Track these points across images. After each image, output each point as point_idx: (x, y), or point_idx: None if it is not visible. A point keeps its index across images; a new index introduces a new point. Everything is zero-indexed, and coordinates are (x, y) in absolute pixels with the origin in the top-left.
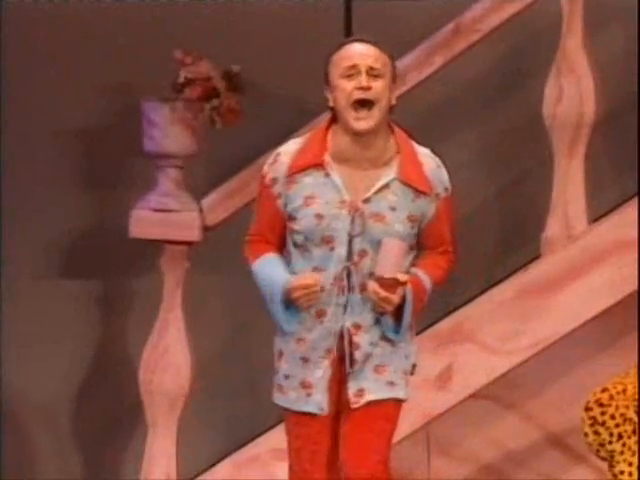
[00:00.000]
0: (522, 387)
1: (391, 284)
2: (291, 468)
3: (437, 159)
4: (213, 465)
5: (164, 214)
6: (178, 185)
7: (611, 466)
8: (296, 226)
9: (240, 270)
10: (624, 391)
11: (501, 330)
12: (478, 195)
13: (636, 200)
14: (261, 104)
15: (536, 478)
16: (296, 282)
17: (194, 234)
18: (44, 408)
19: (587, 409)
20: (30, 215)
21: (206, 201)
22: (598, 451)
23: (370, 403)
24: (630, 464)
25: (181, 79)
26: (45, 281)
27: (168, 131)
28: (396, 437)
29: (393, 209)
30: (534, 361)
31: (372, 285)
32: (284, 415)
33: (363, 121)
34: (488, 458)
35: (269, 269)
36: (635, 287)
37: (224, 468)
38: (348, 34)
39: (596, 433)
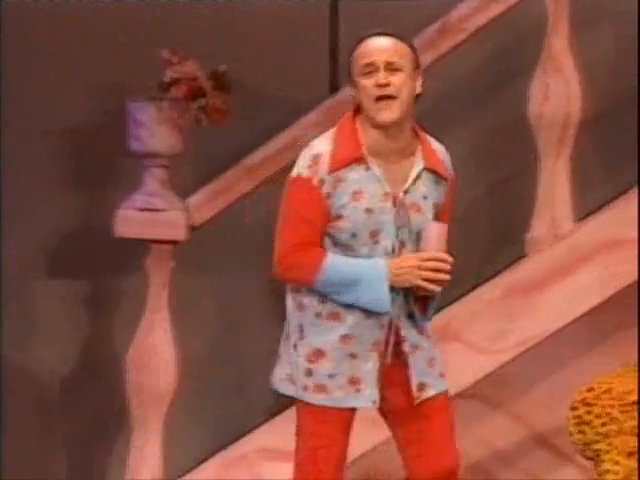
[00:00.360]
0: (509, 386)
1: None
2: (301, 469)
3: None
4: (200, 464)
5: (150, 213)
6: (164, 184)
7: (597, 465)
8: (342, 223)
9: (227, 269)
10: (610, 390)
11: (488, 329)
12: (466, 194)
13: (622, 199)
14: (248, 103)
15: (523, 478)
16: (428, 255)
17: (180, 233)
18: (35, 407)
19: (573, 408)
20: (20, 215)
21: (192, 200)
22: (584, 450)
23: (434, 397)
24: (616, 463)
25: (167, 79)
26: (33, 281)
27: (154, 131)
28: (383, 436)
29: (425, 198)
30: (522, 360)
31: None
32: (304, 414)
33: (386, 112)
34: (476, 457)
35: (351, 260)
36: (622, 285)
37: (211, 467)
38: (334, 33)
39: (582, 432)
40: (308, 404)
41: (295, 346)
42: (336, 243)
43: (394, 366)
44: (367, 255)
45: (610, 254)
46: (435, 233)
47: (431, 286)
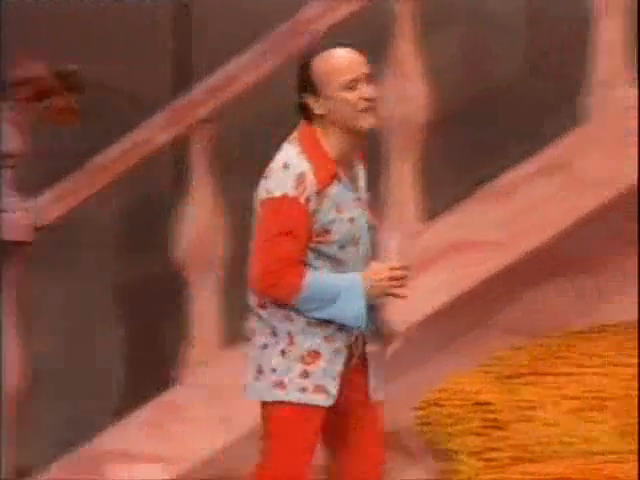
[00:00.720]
0: None
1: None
2: (272, 472)
3: None
4: (48, 465)
5: None
6: (10, 185)
7: (444, 465)
8: (331, 237)
9: (76, 270)
10: (461, 391)
11: None
12: None
13: (469, 201)
14: (97, 103)
15: None
16: (398, 264)
17: (25, 234)
18: None
19: (423, 408)
20: None
21: (39, 201)
22: (433, 450)
23: (377, 403)
24: (463, 463)
25: (14, 78)
26: None
27: (0, 131)
28: (233, 435)
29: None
30: None
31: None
32: (289, 416)
33: (368, 119)
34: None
35: (329, 276)
36: (470, 286)
37: (59, 468)
38: (187, 32)
39: (431, 432)
40: (298, 405)
41: (284, 352)
42: (319, 256)
43: (354, 368)
44: (351, 263)
45: (458, 255)
46: (396, 243)
47: (403, 293)
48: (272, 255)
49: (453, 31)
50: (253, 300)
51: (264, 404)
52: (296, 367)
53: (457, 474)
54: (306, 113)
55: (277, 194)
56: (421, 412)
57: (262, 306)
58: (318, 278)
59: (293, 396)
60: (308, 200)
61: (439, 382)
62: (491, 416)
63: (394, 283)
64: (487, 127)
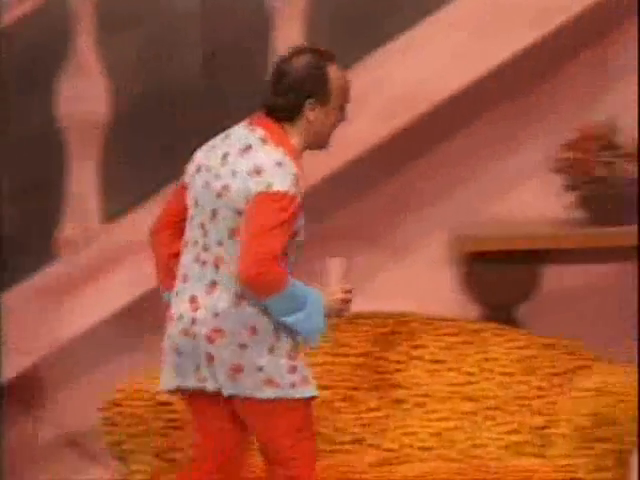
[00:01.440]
0: (38, 388)
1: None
2: (307, 464)
3: None
4: None
5: None
6: None
7: (125, 466)
8: (298, 239)
9: None
10: (139, 391)
11: (20, 329)
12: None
13: (150, 201)
14: None
15: (52, 479)
16: (348, 287)
17: None
18: None
19: (103, 409)
20: None
21: None
22: (113, 451)
23: None
24: (145, 463)
25: None
26: None
27: None
28: None
29: None
30: (52, 361)
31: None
32: (298, 410)
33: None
34: (6, 460)
35: (302, 283)
36: (151, 286)
37: None
38: None
39: (111, 433)
40: (299, 400)
41: (272, 349)
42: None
43: None
44: (291, 270)
45: (140, 255)
46: (344, 265)
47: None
48: (267, 246)
49: (134, 30)
50: (227, 300)
51: (254, 401)
52: (286, 363)
53: (138, 474)
54: (286, 113)
55: (280, 189)
56: (105, 413)
57: (237, 304)
58: (296, 281)
59: (290, 393)
60: (301, 202)
61: (120, 382)
62: (172, 416)
63: (346, 305)
64: (170, 127)
